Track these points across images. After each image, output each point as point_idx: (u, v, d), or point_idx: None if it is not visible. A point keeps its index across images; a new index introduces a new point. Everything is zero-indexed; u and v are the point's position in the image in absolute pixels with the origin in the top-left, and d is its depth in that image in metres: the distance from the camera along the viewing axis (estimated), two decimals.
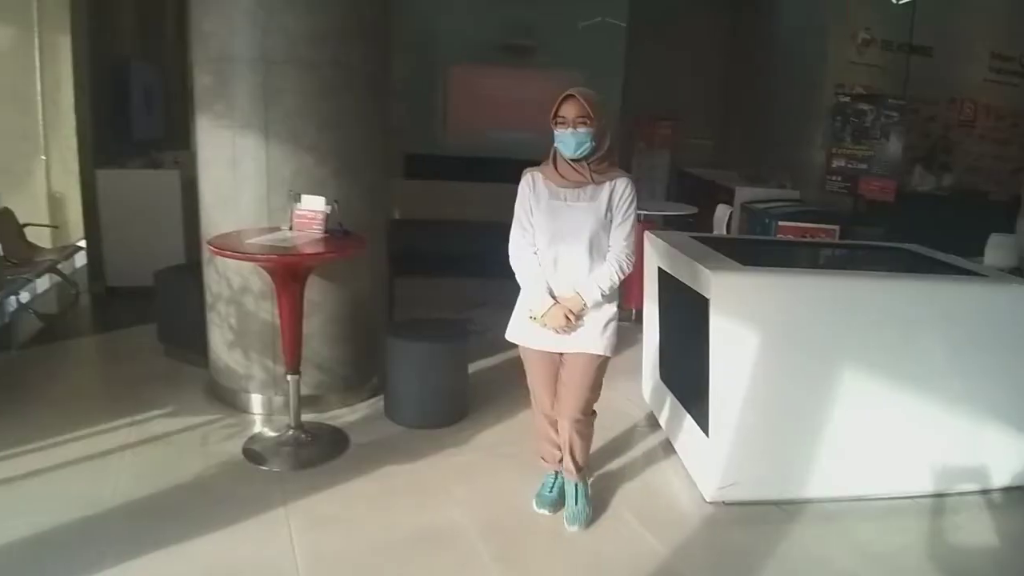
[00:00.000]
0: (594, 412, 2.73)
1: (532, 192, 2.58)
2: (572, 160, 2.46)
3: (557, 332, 2.54)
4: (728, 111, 9.06)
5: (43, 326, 5.00)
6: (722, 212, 5.24)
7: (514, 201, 2.63)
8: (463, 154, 7.47)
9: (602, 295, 2.51)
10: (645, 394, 3.84)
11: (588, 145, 2.42)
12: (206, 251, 3.48)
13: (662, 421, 3.55)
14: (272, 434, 3.32)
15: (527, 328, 2.62)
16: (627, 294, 5.08)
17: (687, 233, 3.72)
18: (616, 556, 2.63)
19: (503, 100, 8.11)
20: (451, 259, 5.80)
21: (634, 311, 5.04)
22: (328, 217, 3.18)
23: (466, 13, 7.75)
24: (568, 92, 2.43)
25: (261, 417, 3.56)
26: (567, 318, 2.49)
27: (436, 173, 7.16)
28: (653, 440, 3.53)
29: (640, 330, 4.00)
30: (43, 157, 5.93)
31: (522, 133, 8.07)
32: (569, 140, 2.42)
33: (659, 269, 3.55)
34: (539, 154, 2.65)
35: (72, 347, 4.65)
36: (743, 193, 7.09)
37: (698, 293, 2.90)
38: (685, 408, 3.23)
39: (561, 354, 2.64)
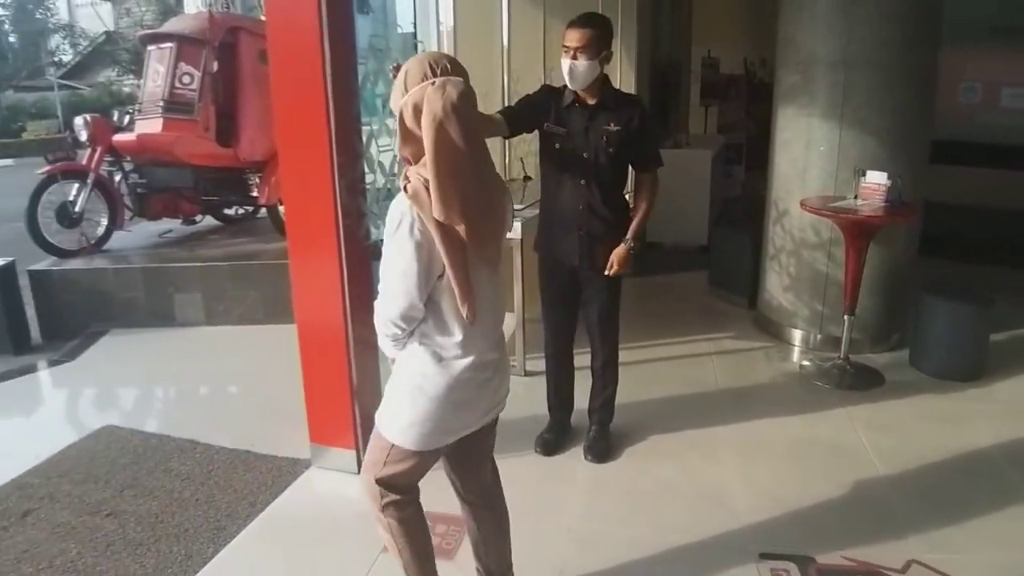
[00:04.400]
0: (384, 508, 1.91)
1: None
2: None
3: None
4: None
5: None
6: None
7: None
8: (951, 138, 7.38)
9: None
10: None
11: None
12: (773, 211, 4.47)
13: None
14: (818, 362, 4.15)
15: None
16: None
17: None
18: None
19: (996, 83, 7.79)
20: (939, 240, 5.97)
21: None
22: (889, 189, 3.85)
23: None
24: None
25: (799, 349, 4.43)
26: None
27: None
28: None
29: None
30: None
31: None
32: None
33: None
34: None
35: (639, 283, 5.93)
36: None
37: None
38: None
39: None
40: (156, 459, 3.30)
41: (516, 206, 3.92)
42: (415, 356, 1.75)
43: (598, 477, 3.06)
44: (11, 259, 5.17)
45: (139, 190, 5.95)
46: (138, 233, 6.20)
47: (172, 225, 6.33)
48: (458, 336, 1.72)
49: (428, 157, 1.55)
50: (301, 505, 2.93)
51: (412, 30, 3.73)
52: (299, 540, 2.69)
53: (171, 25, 6.29)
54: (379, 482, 1.87)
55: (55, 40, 29.07)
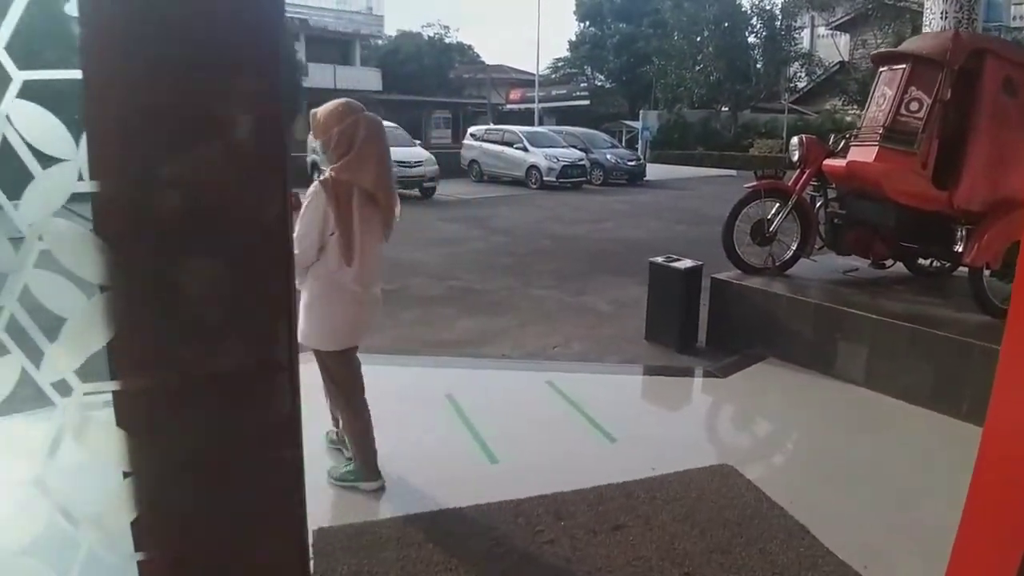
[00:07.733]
0: (351, 417, 3.07)
1: None
2: None
3: None
4: None
5: None
6: None
7: None
8: None
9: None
10: None
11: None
12: None
13: None
14: None
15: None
16: None
17: None
18: None
19: None
20: None
21: None
22: None
23: None
24: None
25: None
26: None
27: None
28: None
29: None
30: None
31: None
32: None
33: None
34: None
35: None
36: None
37: None
38: None
39: None
40: (759, 531, 2.85)
41: None
42: (309, 286, 2.86)
43: None
44: (700, 263, 5.45)
45: (836, 220, 5.57)
46: (823, 265, 5.85)
47: (859, 264, 5.79)
48: (338, 271, 2.82)
49: (356, 152, 2.74)
50: None
51: None
52: None
53: (908, 44, 5.57)
54: (336, 382, 3.00)
55: (793, 68, 31.20)
